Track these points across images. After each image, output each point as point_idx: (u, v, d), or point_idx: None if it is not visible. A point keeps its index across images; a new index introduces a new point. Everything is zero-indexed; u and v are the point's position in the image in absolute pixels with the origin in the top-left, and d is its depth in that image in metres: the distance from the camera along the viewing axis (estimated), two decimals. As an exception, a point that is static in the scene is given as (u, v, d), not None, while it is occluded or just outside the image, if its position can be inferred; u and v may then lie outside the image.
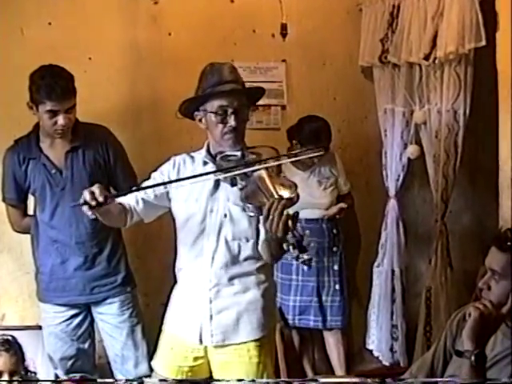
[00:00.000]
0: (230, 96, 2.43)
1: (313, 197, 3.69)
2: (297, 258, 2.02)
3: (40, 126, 3.04)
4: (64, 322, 3.16)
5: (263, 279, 2.54)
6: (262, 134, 3.78)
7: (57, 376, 3.22)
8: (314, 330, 3.82)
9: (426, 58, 3.47)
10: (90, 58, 3.70)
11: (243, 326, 2.51)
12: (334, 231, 3.76)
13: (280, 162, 2.37)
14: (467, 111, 3.51)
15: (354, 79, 4.08)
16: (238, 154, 2.42)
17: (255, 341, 2.52)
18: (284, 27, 3.93)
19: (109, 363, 3.30)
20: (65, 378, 3.19)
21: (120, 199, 2.47)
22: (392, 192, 3.93)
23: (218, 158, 2.44)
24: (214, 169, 2.45)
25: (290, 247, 2.03)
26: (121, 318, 3.18)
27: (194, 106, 2.51)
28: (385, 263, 3.95)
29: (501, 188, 3.16)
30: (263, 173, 2.25)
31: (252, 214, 2.25)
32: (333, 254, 3.74)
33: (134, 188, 2.52)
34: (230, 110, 2.42)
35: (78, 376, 3.19)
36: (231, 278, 2.50)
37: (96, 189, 2.22)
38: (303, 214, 3.60)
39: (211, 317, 2.51)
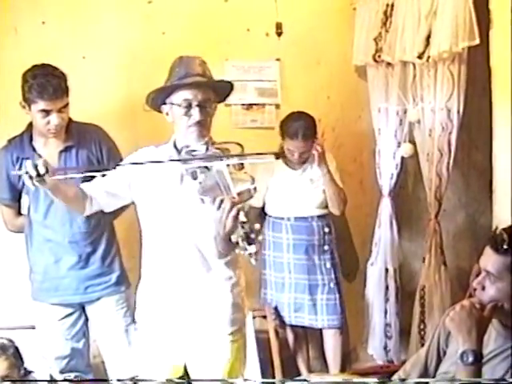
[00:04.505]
0: (195, 89, 2.42)
1: (303, 195, 3.68)
2: (244, 250, 2.03)
3: (33, 125, 3.03)
4: (58, 321, 3.15)
5: (231, 274, 2.54)
6: (256, 133, 3.78)
7: (51, 376, 3.22)
8: (310, 328, 3.81)
9: (420, 56, 3.47)
10: (83, 57, 3.69)
11: (212, 321, 2.51)
12: (326, 229, 3.72)
13: (239, 161, 2.30)
14: (461, 109, 3.51)
15: (347, 78, 4.08)
16: (203, 148, 2.40)
17: (225, 336, 2.52)
18: (279, 26, 3.93)
19: (103, 362, 3.30)
20: (59, 377, 3.19)
21: (82, 186, 2.53)
22: (386, 190, 3.93)
23: (182, 152, 2.43)
24: (178, 163, 2.44)
25: (239, 239, 2.03)
26: (115, 318, 3.17)
27: (161, 98, 2.50)
28: (378, 261, 3.95)
29: (494, 186, 3.17)
30: (223, 167, 2.22)
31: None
32: (324, 252, 3.71)
33: (87, 173, 2.56)
34: (194, 103, 2.41)
35: (72, 375, 3.20)
36: (198, 273, 2.49)
37: (40, 161, 2.27)
38: (294, 212, 3.67)
39: (182, 311, 2.51)
